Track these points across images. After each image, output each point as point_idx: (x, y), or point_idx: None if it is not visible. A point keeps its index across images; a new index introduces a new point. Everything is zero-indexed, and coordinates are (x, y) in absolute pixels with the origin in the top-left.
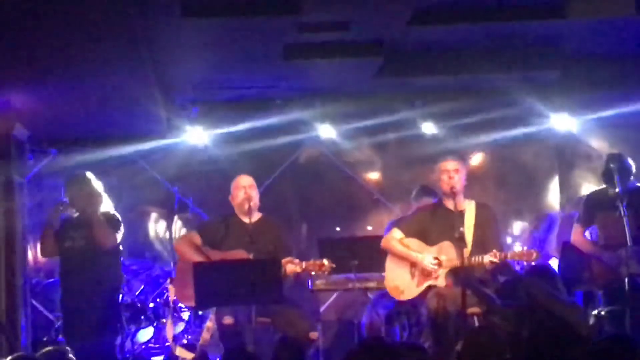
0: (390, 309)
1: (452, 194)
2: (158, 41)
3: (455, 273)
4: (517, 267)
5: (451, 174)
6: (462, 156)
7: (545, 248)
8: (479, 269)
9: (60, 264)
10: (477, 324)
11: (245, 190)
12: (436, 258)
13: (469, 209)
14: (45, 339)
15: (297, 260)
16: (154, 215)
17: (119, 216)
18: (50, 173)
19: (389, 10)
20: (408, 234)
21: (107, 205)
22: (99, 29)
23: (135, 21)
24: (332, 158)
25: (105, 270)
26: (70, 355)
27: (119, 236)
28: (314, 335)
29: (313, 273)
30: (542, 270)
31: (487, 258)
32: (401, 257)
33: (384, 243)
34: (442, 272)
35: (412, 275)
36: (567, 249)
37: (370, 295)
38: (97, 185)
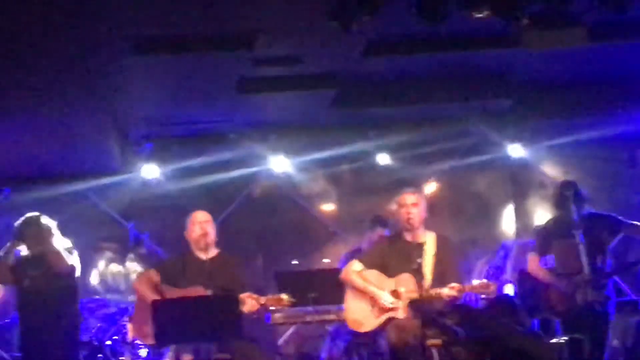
0: (349, 341)
1: (411, 227)
2: (111, 78)
3: (414, 305)
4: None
5: (409, 208)
6: (418, 187)
7: (502, 276)
8: (439, 301)
9: (18, 303)
10: (436, 356)
11: (201, 226)
12: (394, 291)
13: (429, 240)
14: None
15: (255, 296)
16: (108, 252)
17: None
18: (4, 211)
19: (342, 43)
20: (367, 266)
21: (59, 242)
22: (53, 67)
23: (88, 59)
24: (287, 190)
25: (63, 307)
26: None
27: (75, 262)
28: None
29: (272, 308)
30: (504, 301)
31: (446, 291)
32: (360, 290)
33: (343, 275)
34: (401, 304)
35: (372, 307)
36: (523, 278)
37: (329, 327)
38: (49, 224)
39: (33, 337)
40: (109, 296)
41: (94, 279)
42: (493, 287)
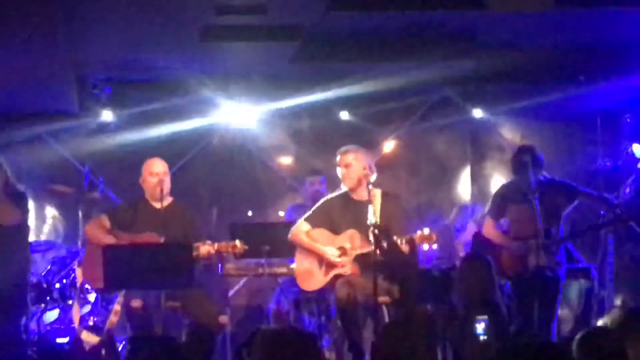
0: (298, 295)
1: (348, 187)
2: (71, 17)
3: (361, 261)
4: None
5: (342, 169)
6: (376, 144)
7: (462, 236)
8: (386, 257)
9: None
10: (386, 313)
11: (157, 175)
12: (341, 247)
13: (376, 197)
14: None
15: (209, 242)
16: (61, 195)
17: (25, 194)
18: None
19: None
20: (315, 225)
21: (11, 183)
22: (12, 4)
23: None
24: (245, 142)
25: (10, 250)
26: None
27: (26, 214)
28: (223, 319)
29: (225, 255)
30: (478, 260)
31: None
32: (308, 250)
33: (291, 236)
34: (348, 259)
35: (319, 265)
36: (477, 240)
37: (280, 280)
38: (2, 163)
39: None
40: (59, 239)
41: (46, 221)
42: (435, 237)
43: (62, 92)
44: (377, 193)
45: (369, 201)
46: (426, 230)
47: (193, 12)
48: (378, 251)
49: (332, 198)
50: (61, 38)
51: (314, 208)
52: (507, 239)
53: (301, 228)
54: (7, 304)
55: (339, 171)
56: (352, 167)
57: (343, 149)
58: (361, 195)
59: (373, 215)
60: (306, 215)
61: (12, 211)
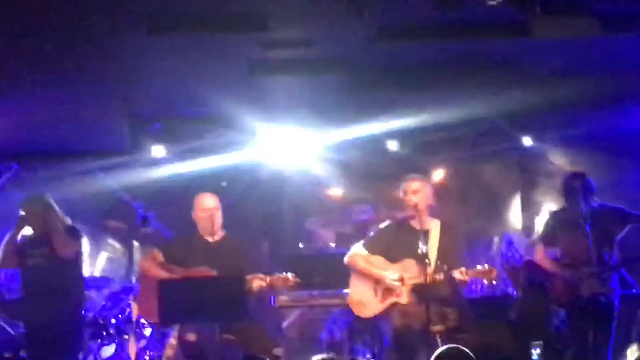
0: (351, 325)
1: (415, 214)
2: (123, 57)
3: (418, 291)
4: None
5: (409, 195)
6: (426, 174)
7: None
8: (443, 288)
9: (22, 282)
10: (439, 341)
11: (208, 209)
12: (399, 277)
13: (434, 228)
14: (7, 355)
15: (262, 275)
16: (115, 230)
17: (79, 230)
18: (13, 187)
19: (354, 27)
20: (372, 251)
21: (64, 222)
22: (65, 43)
23: (101, 36)
24: (294, 174)
25: (66, 286)
26: None
27: (80, 246)
28: (277, 352)
29: (278, 288)
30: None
31: (457, 274)
32: (365, 275)
33: (348, 260)
34: (405, 289)
35: (375, 292)
36: (529, 268)
37: (333, 311)
38: (53, 204)
39: (36, 316)
40: (114, 275)
41: (100, 257)
42: (495, 273)
43: (114, 128)
44: (437, 223)
45: (428, 230)
46: (486, 266)
47: (241, 46)
48: (432, 281)
49: (390, 225)
50: (113, 77)
51: (371, 234)
52: (560, 267)
53: (359, 252)
54: (65, 340)
55: (404, 198)
56: (419, 194)
57: (411, 176)
58: (421, 224)
59: (429, 244)
60: (363, 240)
61: (69, 242)
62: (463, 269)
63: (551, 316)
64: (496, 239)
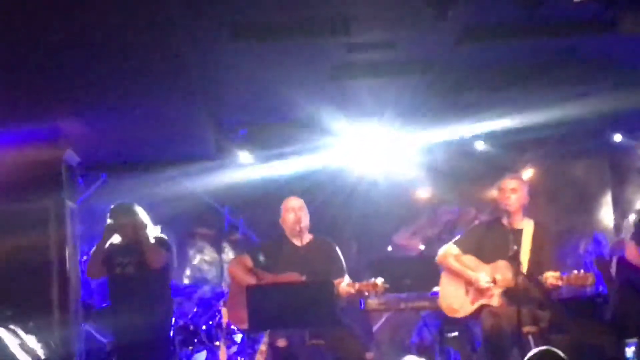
0: (441, 327)
1: (508, 213)
2: (208, 64)
3: (509, 293)
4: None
5: (507, 193)
6: (514, 172)
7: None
8: (534, 290)
9: (110, 291)
10: (532, 343)
11: (295, 212)
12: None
13: (527, 228)
14: None
15: (350, 282)
16: (204, 238)
17: (168, 239)
18: (101, 197)
19: (437, 29)
20: (464, 250)
21: (154, 231)
22: (149, 53)
23: (185, 45)
24: (381, 177)
25: (155, 295)
26: None
27: (170, 257)
28: (369, 356)
29: (367, 293)
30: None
31: (550, 279)
32: (456, 274)
33: (439, 258)
34: (497, 291)
35: (467, 292)
36: (621, 266)
37: (422, 314)
38: (142, 213)
39: (125, 325)
40: (203, 281)
41: (189, 264)
42: (592, 279)
43: (200, 137)
44: (529, 223)
45: (521, 230)
46: (582, 271)
47: (324, 51)
48: (524, 284)
49: (482, 223)
50: (198, 85)
51: (464, 232)
52: None
53: (450, 251)
54: (154, 347)
55: (499, 196)
56: (518, 192)
57: (509, 174)
58: (515, 223)
59: (522, 245)
60: (456, 238)
61: (160, 253)
62: (558, 274)
63: None
64: (585, 238)
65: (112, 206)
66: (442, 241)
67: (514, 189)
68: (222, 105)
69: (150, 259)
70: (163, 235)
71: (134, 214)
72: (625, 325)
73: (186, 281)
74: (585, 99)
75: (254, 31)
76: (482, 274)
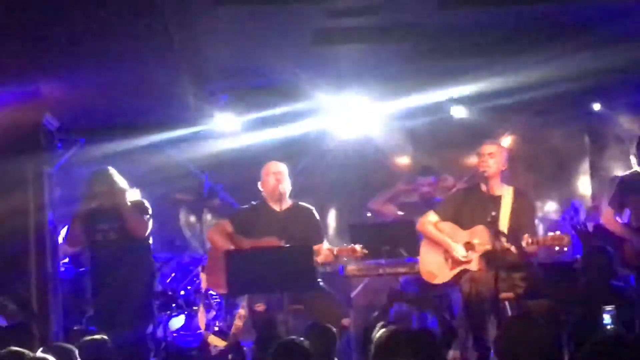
0: (420, 294)
1: (486, 178)
2: (189, 28)
3: (487, 257)
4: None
5: (485, 157)
6: (493, 139)
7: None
8: (512, 254)
9: (91, 258)
10: (509, 309)
11: (275, 176)
12: (468, 243)
13: (507, 194)
14: (76, 327)
15: (329, 246)
16: (183, 203)
17: (147, 204)
18: (79, 162)
19: None
20: (443, 217)
21: (132, 196)
22: (130, 16)
23: (166, 8)
24: (361, 144)
25: (138, 261)
26: (109, 345)
27: (149, 222)
28: (346, 322)
29: (345, 259)
30: (598, 253)
31: (524, 244)
32: (436, 242)
33: (419, 226)
34: (475, 255)
35: (446, 260)
36: (597, 231)
37: (400, 280)
38: (120, 179)
39: (107, 292)
40: (183, 246)
41: (168, 229)
42: (567, 239)
43: (180, 102)
44: (509, 190)
45: (500, 197)
46: (557, 232)
47: (305, 16)
48: (502, 248)
49: (462, 190)
50: (178, 48)
51: (443, 200)
52: (629, 231)
53: (429, 219)
54: (135, 314)
55: (478, 161)
56: (495, 157)
57: (488, 140)
58: (494, 189)
59: (500, 210)
60: (436, 206)
61: (141, 221)
62: (533, 238)
63: (619, 280)
64: (562, 205)
65: (89, 173)
66: (419, 209)
67: (492, 154)
68: (203, 70)
69: (132, 227)
70: (142, 200)
71: (111, 180)
72: (599, 291)
73: (165, 246)
74: (565, 66)
75: None
76: (459, 247)
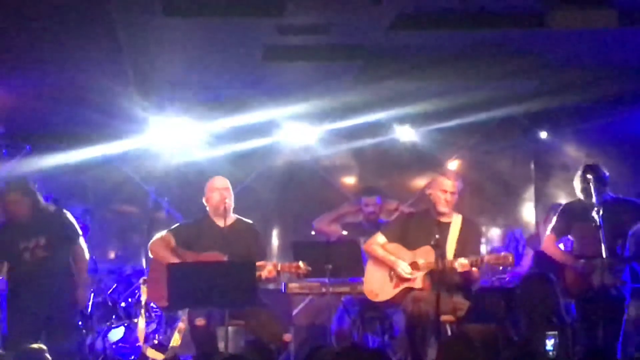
0: (361, 314)
1: (444, 212)
2: (138, 39)
3: (432, 276)
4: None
5: (447, 196)
6: (440, 164)
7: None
8: (455, 275)
9: (14, 280)
10: (449, 331)
11: (220, 192)
12: (413, 263)
13: (455, 221)
14: None
15: (273, 262)
16: (128, 215)
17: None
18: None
19: (370, 14)
20: (390, 239)
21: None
22: (78, 24)
23: (115, 18)
24: (308, 162)
25: (65, 273)
26: (47, 355)
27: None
28: (287, 337)
29: (288, 276)
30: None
31: (462, 260)
32: (381, 261)
33: (365, 247)
34: (420, 274)
35: (390, 277)
36: (539, 257)
37: (343, 299)
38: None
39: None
40: (125, 258)
41: (111, 240)
42: (511, 258)
43: (127, 112)
44: (458, 217)
45: (449, 223)
46: (502, 253)
47: (255, 32)
48: (444, 267)
49: (411, 214)
50: (126, 58)
51: (391, 221)
52: (571, 257)
53: (377, 240)
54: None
55: (437, 195)
56: (456, 194)
57: (451, 173)
58: (445, 217)
59: (448, 236)
60: (383, 228)
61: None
62: (477, 258)
63: (560, 307)
64: (506, 232)
65: (3, 184)
66: (363, 230)
67: (454, 192)
68: (152, 81)
69: (78, 258)
70: (53, 209)
71: (28, 191)
72: (541, 317)
73: (107, 257)
74: (511, 92)
75: (184, 6)
76: (403, 263)
